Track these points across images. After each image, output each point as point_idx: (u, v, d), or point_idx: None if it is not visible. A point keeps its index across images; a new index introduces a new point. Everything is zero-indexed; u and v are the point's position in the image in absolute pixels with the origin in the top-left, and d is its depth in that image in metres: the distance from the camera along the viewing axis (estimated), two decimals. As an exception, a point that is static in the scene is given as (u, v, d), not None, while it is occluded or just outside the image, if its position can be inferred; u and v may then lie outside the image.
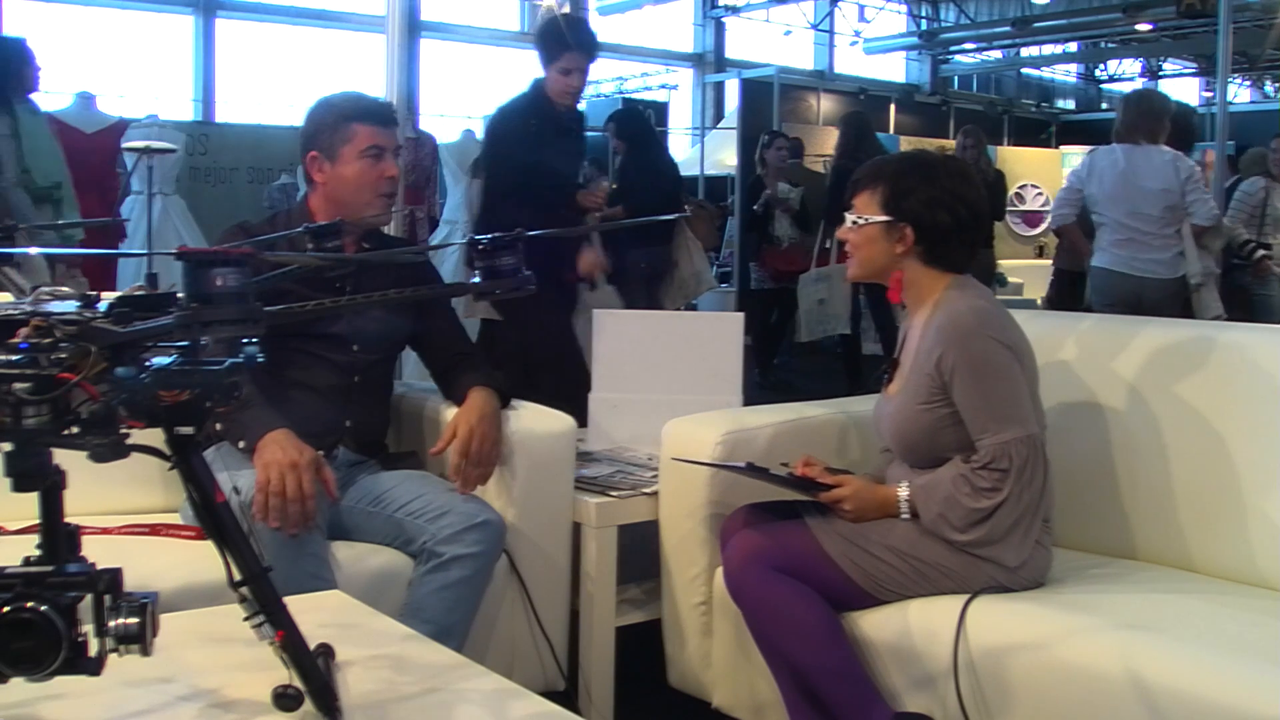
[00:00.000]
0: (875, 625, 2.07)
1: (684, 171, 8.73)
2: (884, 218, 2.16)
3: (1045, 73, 19.72)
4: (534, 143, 3.70)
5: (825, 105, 14.64)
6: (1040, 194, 11.61)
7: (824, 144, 10.23)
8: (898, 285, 2.20)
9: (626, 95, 13.94)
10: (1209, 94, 18.16)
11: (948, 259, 2.17)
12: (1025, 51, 17.79)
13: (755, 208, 7.25)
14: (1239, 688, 1.64)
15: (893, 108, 15.49)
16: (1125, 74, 20.00)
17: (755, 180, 7.45)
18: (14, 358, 0.97)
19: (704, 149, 12.14)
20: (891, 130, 14.30)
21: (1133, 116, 4.69)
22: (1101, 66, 19.96)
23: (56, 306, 1.03)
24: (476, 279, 1.33)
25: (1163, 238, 4.58)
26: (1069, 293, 6.85)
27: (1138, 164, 4.61)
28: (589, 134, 4.37)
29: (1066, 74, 20.16)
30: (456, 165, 6.58)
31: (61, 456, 1.02)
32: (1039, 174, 11.98)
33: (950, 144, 9.01)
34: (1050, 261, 7.39)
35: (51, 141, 4.65)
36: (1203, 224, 4.53)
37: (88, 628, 1.04)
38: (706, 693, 2.43)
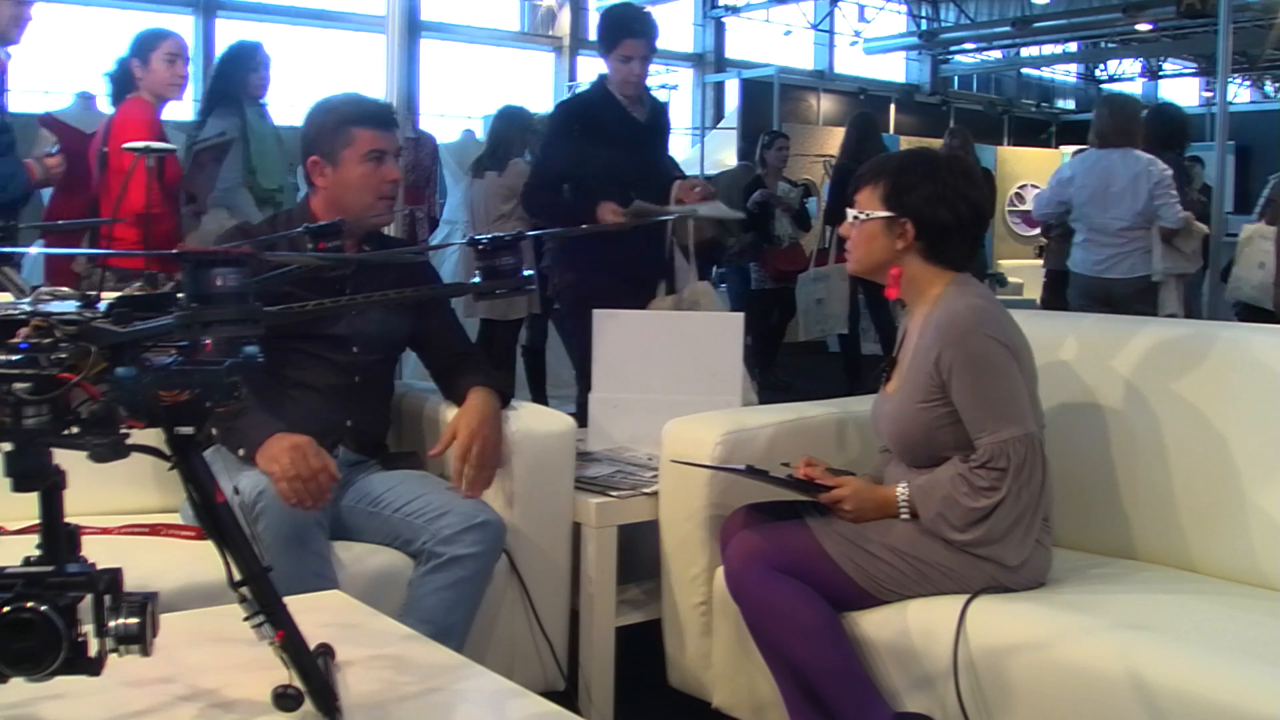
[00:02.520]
0: (875, 625, 2.07)
1: (684, 172, 8.71)
2: (885, 213, 2.17)
3: (1045, 73, 19.70)
4: (585, 138, 3.60)
5: (825, 105, 14.65)
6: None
7: (824, 144, 10.23)
8: (895, 281, 2.20)
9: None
10: (1209, 94, 18.17)
11: (948, 256, 2.18)
12: (1025, 51, 17.78)
13: (749, 205, 7.23)
14: (1239, 688, 1.64)
15: (893, 108, 15.50)
16: (1125, 74, 19.99)
17: (755, 180, 7.44)
18: (14, 358, 0.97)
19: (704, 149, 12.14)
20: (891, 130, 14.30)
21: (1108, 121, 4.87)
22: (1101, 66, 19.95)
23: (56, 306, 1.03)
24: (476, 279, 1.34)
25: (1132, 239, 4.80)
26: (1061, 293, 6.91)
27: (1114, 170, 4.80)
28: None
29: (1066, 74, 20.15)
30: (456, 165, 6.56)
31: (61, 456, 1.02)
32: (1039, 174, 11.97)
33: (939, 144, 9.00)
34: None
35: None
36: (1170, 226, 4.72)
37: (88, 628, 1.04)
38: (706, 693, 2.43)
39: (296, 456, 2.08)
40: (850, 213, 2.23)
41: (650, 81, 3.77)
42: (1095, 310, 4.70)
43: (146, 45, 3.95)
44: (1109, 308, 4.78)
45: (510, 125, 5.62)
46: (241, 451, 2.15)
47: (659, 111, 3.89)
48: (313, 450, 2.11)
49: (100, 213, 3.85)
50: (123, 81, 3.99)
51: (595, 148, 3.58)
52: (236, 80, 4.46)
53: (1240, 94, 18.45)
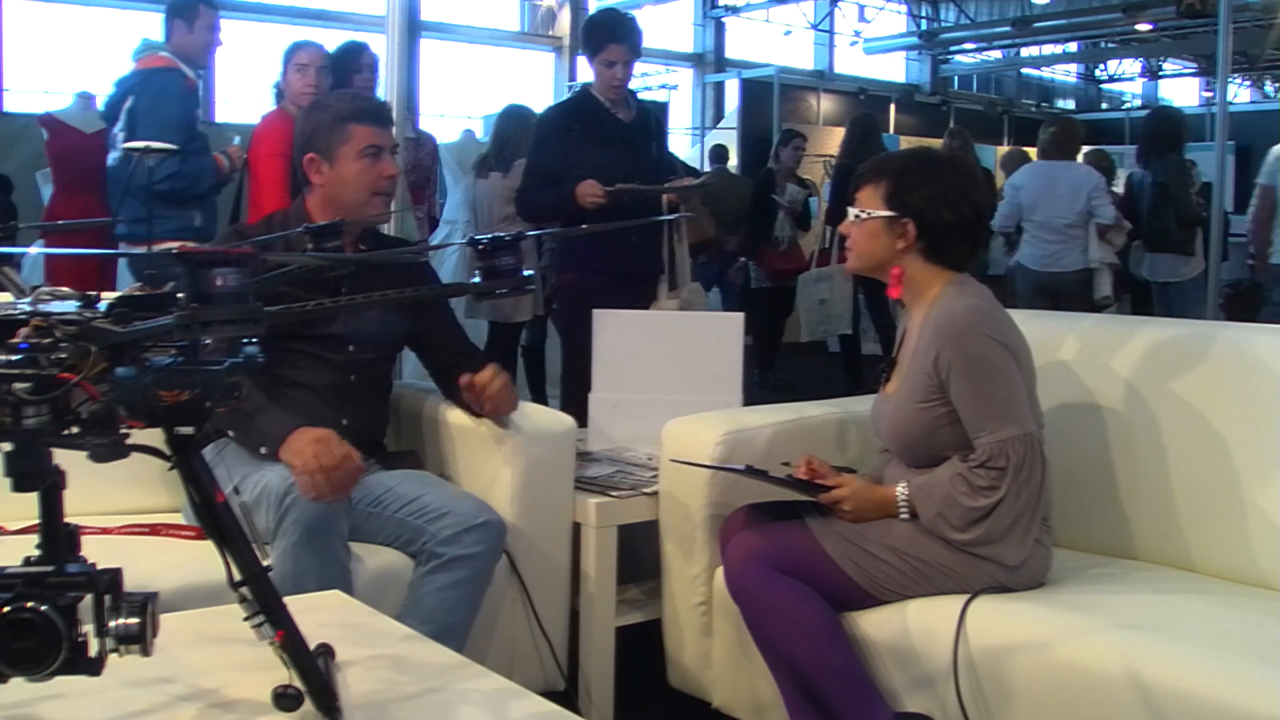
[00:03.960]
0: (875, 625, 2.07)
1: (698, 170, 8.72)
2: (887, 212, 2.17)
3: (1045, 73, 19.68)
4: (572, 141, 3.71)
5: (825, 105, 14.65)
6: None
7: (824, 144, 10.23)
8: (897, 281, 2.20)
9: (626, 95, 13.88)
10: (1209, 94, 18.14)
11: (948, 256, 2.18)
12: (1025, 51, 17.75)
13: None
14: (1239, 688, 1.64)
15: (893, 108, 15.49)
16: (1125, 74, 19.98)
17: (766, 174, 7.47)
18: (14, 358, 0.97)
19: (704, 149, 12.13)
20: (891, 130, 14.29)
21: (1051, 139, 5.72)
22: (1101, 66, 19.93)
23: (56, 306, 1.03)
24: (476, 278, 1.34)
25: (1071, 235, 5.52)
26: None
27: (1058, 177, 5.59)
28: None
29: (1066, 74, 20.13)
30: (456, 165, 6.55)
31: (61, 456, 1.02)
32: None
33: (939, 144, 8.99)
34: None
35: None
36: (1105, 223, 5.51)
37: (88, 628, 1.04)
38: (706, 693, 2.43)
39: (321, 449, 2.09)
40: (851, 211, 2.23)
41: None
42: (1040, 302, 5.45)
43: (286, 57, 4.19)
44: (1053, 298, 5.48)
45: (516, 125, 5.60)
46: (263, 449, 2.16)
47: (647, 113, 3.97)
48: (336, 441, 2.13)
49: (245, 219, 4.02)
50: (280, 92, 4.23)
51: (581, 149, 3.68)
52: (343, 83, 4.46)
53: (1240, 94, 18.43)
